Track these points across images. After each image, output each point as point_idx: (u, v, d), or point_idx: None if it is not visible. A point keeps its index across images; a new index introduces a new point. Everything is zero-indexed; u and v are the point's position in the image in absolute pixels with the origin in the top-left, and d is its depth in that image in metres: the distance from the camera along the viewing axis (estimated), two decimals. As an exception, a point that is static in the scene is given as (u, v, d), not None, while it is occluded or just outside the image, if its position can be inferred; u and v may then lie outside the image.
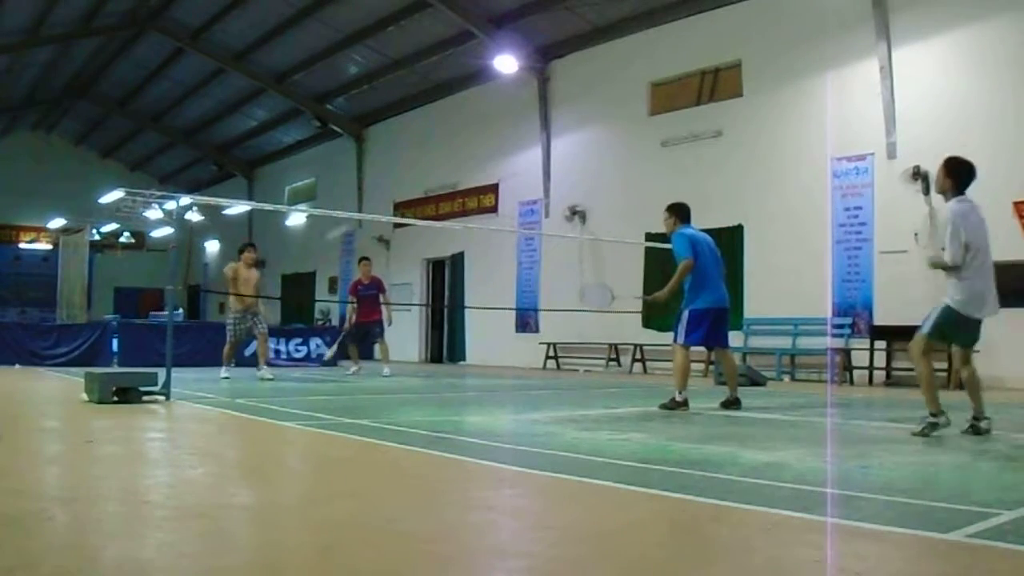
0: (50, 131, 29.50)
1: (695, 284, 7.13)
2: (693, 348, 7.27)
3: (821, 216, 12.46)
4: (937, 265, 5.24)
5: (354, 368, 12.70)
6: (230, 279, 11.09)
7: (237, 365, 11.64)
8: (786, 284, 12.86)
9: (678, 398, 6.89)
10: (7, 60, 21.11)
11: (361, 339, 12.93)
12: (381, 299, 12.69)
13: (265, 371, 11.02)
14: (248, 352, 12.96)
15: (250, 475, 3.94)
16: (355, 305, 12.64)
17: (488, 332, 18.08)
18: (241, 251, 11.49)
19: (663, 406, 6.89)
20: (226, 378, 10.60)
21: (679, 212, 7.52)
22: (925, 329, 5.23)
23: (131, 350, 13.37)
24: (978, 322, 5.29)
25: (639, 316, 14.76)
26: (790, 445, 4.79)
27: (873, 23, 11.88)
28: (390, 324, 12.86)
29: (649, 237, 14.00)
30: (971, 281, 5.16)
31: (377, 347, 13.36)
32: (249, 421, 6.10)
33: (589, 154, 16.56)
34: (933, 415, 5.13)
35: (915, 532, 2.60)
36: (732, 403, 7.11)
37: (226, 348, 11.21)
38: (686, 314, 7.14)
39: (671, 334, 7.51)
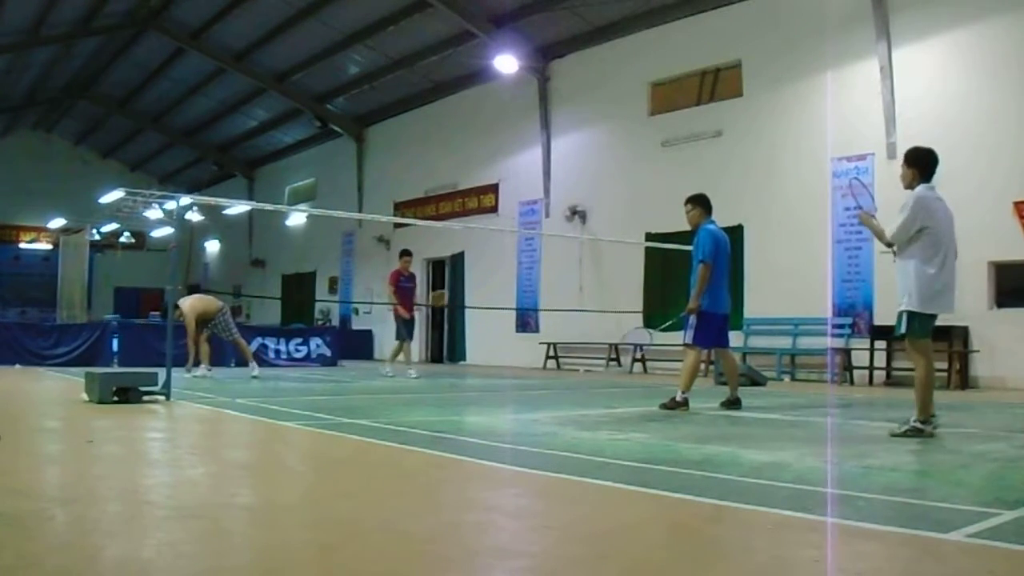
0: (50, 131, 29.50)
1: (708, 285, 6.99)
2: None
3: (821, 216, 12.46)
4: (881, 236, 5.20)
5: (412, 371, 12.41)
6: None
7: (237, 365, 11.69)
8: (786, 284, 12.86)
9: (678, 398, 6.85)
10: (7, 60, 21.11)
11: (409, 334, 12.64)
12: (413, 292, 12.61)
13: (203, 370, 11.24)
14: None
15: (250, 475, 3.94)
16: (396, 295, 12.36)
17: (488, 332, 18.08)
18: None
19: (663, 406, 6.86)
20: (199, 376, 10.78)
21: (703, 203, 7.28)
22: (913, 331, 5.16)
23: (131, 350, 13.36)
24: (934, 317, 5.20)
25: (640, 316, 14.78)
26: (790, 445, 4.79)
27: (873, 23, 11.88)
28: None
29: (649, 237, 14.00)
30: (933, 275, 5.09)
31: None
32: (249, 421, 6.10)
33: (589, 154, 16.55)
34: (923, 421, 5.10)
35: (915, 532, 2.60)
36: (733, 403, 7.10)
37: (205, 347, 11.47)
38: (693, 316, 7.04)
39: (670, 334, 7.48)
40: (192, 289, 28.73)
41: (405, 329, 12.45)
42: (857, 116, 12.17)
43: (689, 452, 4.45)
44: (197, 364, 11.28)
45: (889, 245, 5.17)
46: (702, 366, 13.23)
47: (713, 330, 7.09)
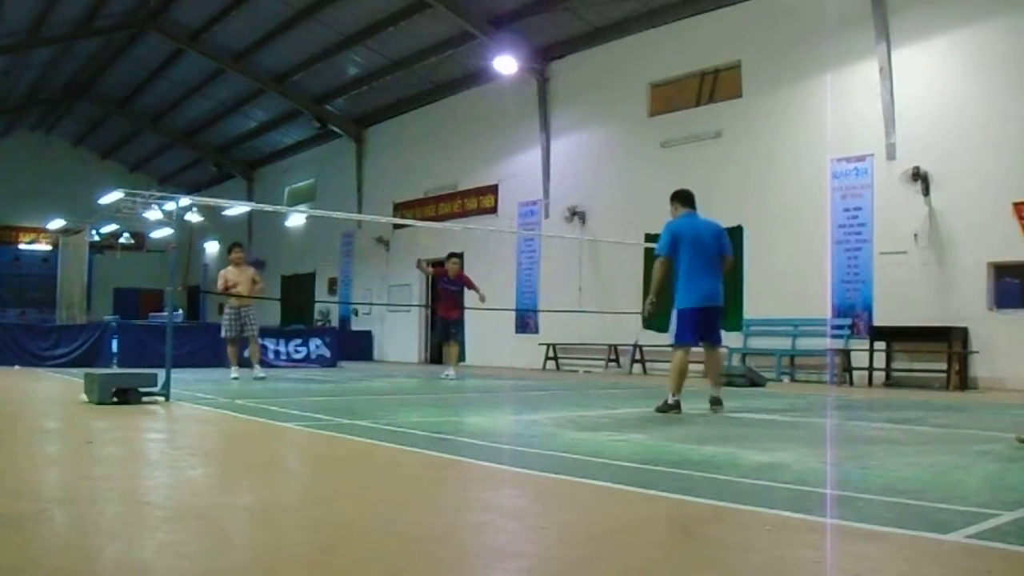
0: (50, 131, 29.48)
1: (680, 280, 6.80)
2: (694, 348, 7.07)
3: (820, 217, 12.46)
4: None
5: (448, 372, 12.36)
6: (220, 288, 11.31)
7: (239, 366, 11.68)
8: (786, 285, 12.86)
9: (669, 400, 6.68)
10: (7, 60, 21.11)
11: (444, 336, 12.69)
12: (477, 294, 12.42)
13: (257, 370, 11.26)
14: (245, 354, 12.95)
15: (250, 476, 3.93)
16: (441, 293, 12.56)
17: (488, 333, 18.06)
18: (228, 251, 11.74)
19: (658, 409, 6.78)
20: (235, 378, 10.71)
21: (678, 199, 7.14)
22: None
23: (131, 351, 13.37)
24: None
25: (639, 317, 14.75)
26: (790, 446, 4.79)
27: (873, 23, 11.89)
28: (483, 300, 12.35)
29: (648, 238, 13.97)
30: None
31: (447, 346, 12.86)
32: (248, 422, 6.10)
33: (589, 155, 16.56)
34: None
35: (914, 533, 2.60)
36: (713, 401, 6.85)
37: (228, 348, 11.43)
38: (675, 313, 6.94)
39: (669, 335, 7.41)
40: (192, 290, 28.88)
41: (441, 330, 12.61)
42: (856, 117, 12.17)
43: (688, 453, 4.45)
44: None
45: None
46: (701, 367, 13.27)
47: (691, 327, 6.82)
